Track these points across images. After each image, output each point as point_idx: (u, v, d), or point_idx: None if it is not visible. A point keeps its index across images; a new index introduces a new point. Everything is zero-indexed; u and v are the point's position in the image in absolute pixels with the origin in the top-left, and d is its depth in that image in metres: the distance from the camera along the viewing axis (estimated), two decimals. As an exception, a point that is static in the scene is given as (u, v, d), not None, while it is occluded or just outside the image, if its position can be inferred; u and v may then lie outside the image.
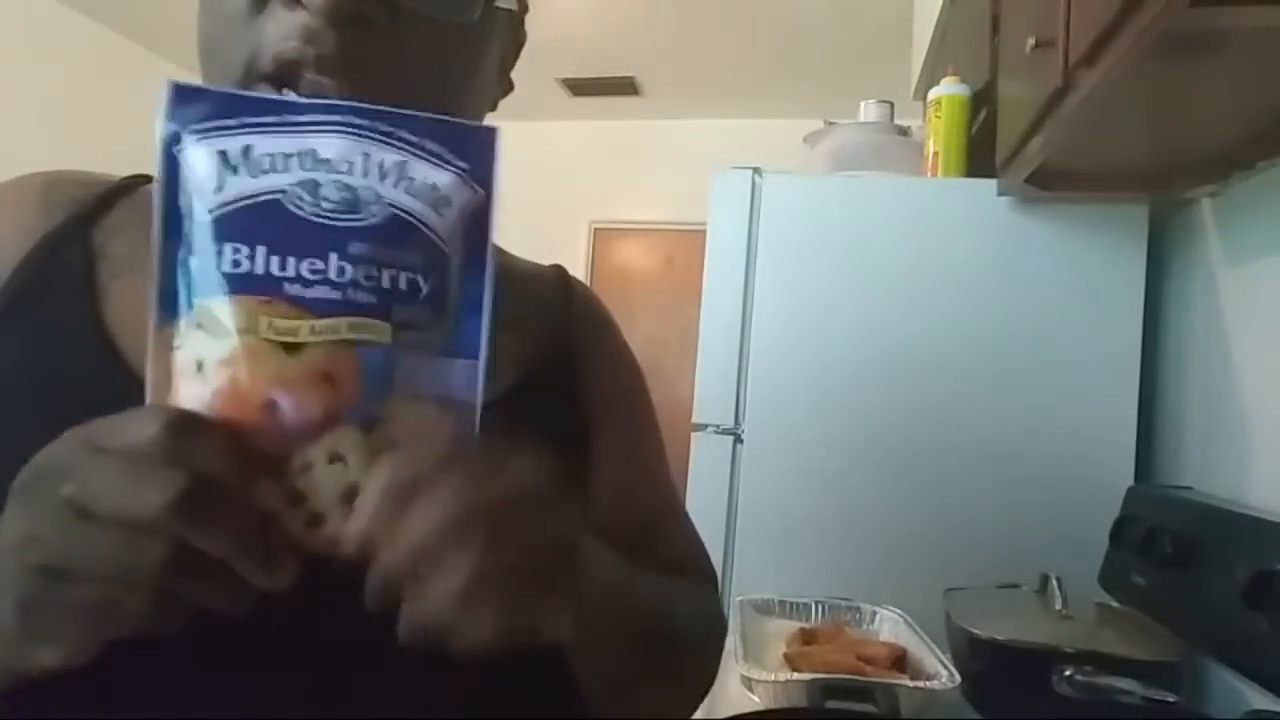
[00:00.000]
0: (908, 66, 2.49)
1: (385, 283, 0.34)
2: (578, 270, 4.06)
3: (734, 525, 1.37)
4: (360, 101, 0.38)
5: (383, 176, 0.35)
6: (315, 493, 0.32)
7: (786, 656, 0.97)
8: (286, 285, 0.33)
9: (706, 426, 1.40)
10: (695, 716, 0.82)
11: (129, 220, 0.49)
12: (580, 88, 4.05)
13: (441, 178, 0.36)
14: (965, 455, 1.29)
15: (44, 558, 0.29)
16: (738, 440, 1.38)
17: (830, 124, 1.62)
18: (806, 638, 1.03)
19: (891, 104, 1.59)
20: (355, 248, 0.34)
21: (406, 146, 0.35)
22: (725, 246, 1.41)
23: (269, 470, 0.32)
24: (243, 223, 0.33)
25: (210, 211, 0.33)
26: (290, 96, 0.36)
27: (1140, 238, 1.26)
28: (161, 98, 0.34)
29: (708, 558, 0.65)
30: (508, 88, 0.54)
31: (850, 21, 3.22)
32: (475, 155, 0.37)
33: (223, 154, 0.33)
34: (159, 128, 0.34)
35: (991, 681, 0.91)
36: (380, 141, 0.35)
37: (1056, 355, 1.27)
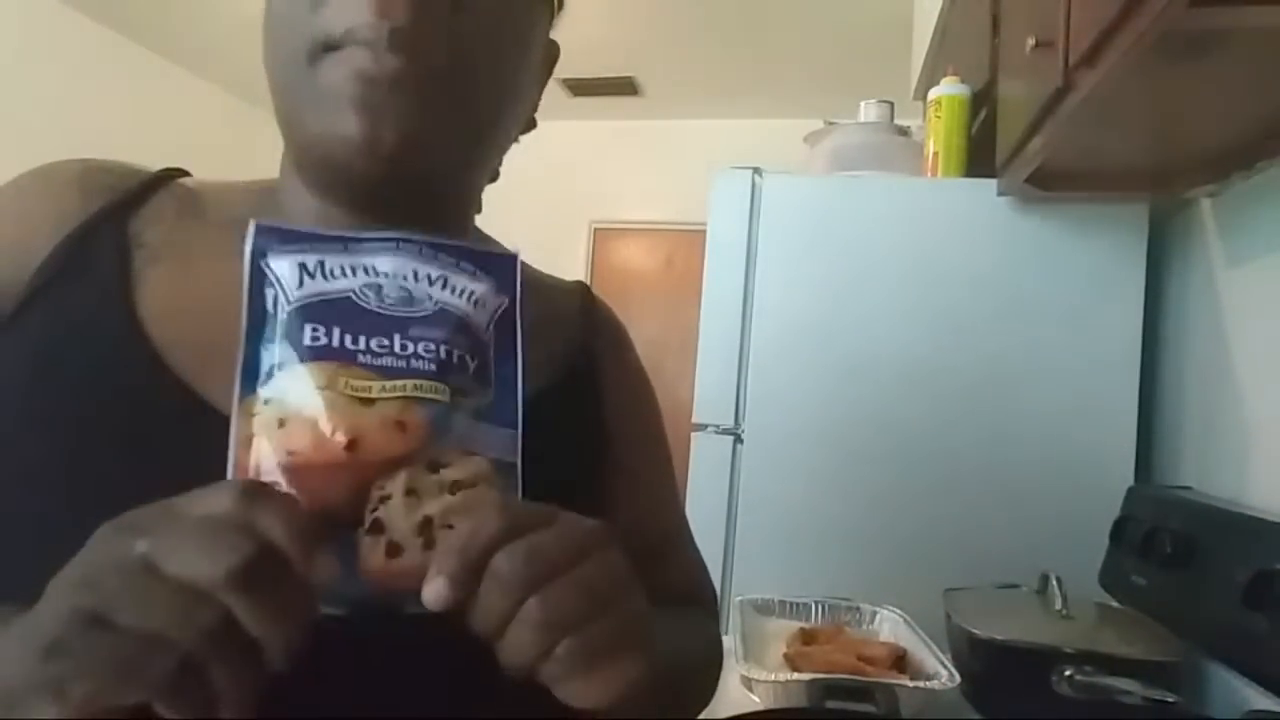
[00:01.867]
0: (908, 66, 2.49)
1: (441, 355, 0.40)
2: (578, 270, 4.04)
3: (734, 525, 1.37)
4: (421, 75, 0.44)
5: (430, 284, 0.42)
6: (394, 523, 0.35)
7: (786, 656, 0.97)
8: (359, 355, 0.38)
9: (706, 426, 1.40)
10: (696, 716, 0.82)
11: (164, 211, 0.50)
12: (580, 88, 4.05)
13: (476, 287, 0.43)
14: (965, 455, 1.29)
15: (93, 602, 0.29)
16: (738, 440, 1.38)
17: (830, 124, 1.62)
18: (806, 638, 1.03)
19: (891, 104, 1.59)
20: (414, 330, 0.40)
21: (445, 265, 0.42)
22: (725, 246, 1.41)
23: (335, 527, 0.34)
24: (320, 311, 0.39)
25: (291, 303, 0.39)
26: (350, 233, 0.42)
27: (1140, 238, 1.26)
28: (249, 232, 0.40)
29: (709, 579, 0.66)
30: (532, 120, 0.57)
31: (850, 21, 3.22)
32: (499, 274, 0.44)
33: (302, 265, 0.40)
34: (247, 251, 0.40)
35: (991, 681, 0.91)
36: (424, 260, 0.42)
37: (1056, 355, 1.27)
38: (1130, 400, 1.24)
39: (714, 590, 0.67)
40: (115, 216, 0.48)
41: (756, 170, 1.42)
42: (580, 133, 4.45)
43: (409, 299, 0.41)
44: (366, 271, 0.41)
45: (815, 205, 1.39)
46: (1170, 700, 0.79)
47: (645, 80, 4.03)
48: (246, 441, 0.36)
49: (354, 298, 0.40)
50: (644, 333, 4.05)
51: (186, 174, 0.55)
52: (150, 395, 0.44)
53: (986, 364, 1.30)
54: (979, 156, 1.37)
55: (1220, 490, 1.05)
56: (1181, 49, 0.72)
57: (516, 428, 0.41)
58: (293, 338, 0.38)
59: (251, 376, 0.37)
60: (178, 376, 0.44)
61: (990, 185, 1.28)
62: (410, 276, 0.41)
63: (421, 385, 0.38)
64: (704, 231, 1.43)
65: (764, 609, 1.15)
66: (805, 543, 1.34)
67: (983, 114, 1.39)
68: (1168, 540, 0.93)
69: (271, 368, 0.37)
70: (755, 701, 0.89)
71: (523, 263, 0.60)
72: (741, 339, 1.39)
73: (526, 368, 0.42)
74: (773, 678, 0.87)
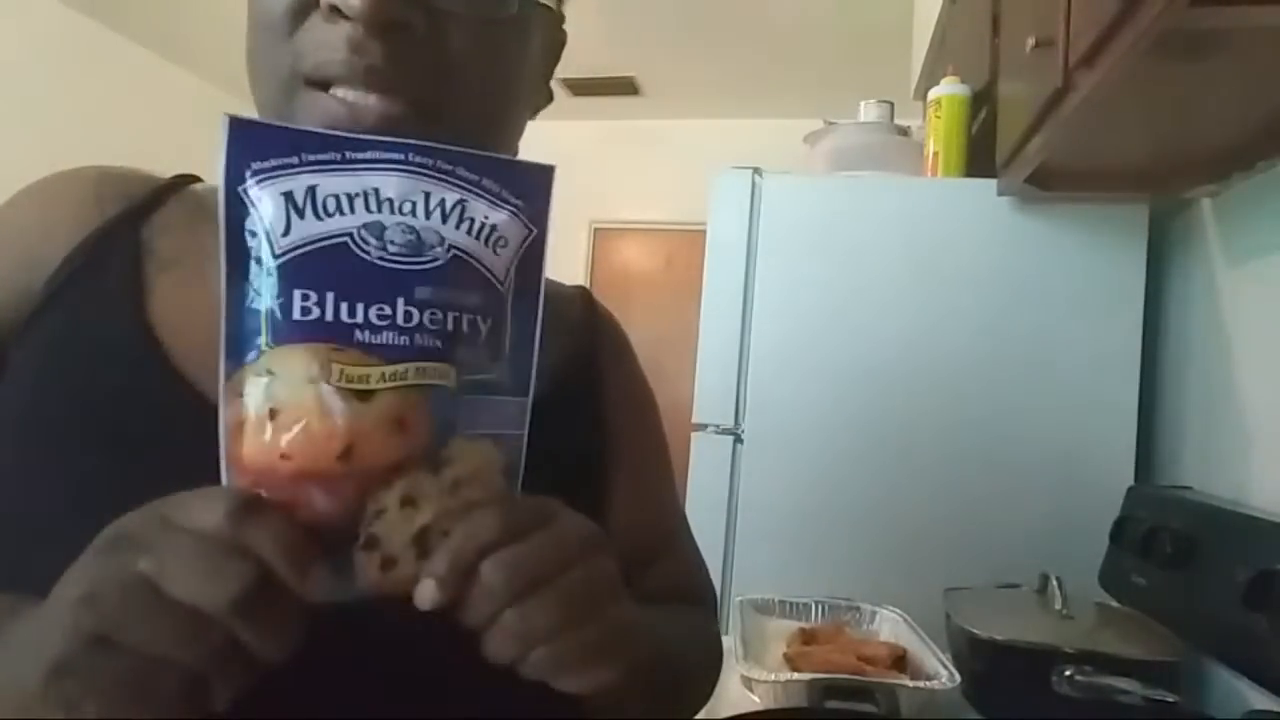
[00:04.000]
0: (908, 66, 2.49)
1: (449, 326, 0.35)
2: (578, 270, 4.04)
3: (734, 525, 1.37)
4: (406, 111, 0.41)
5: (444, 217, 0.35)
6: (389, 538, 0.33)
7: (786, 656, 0.97)
8: (356, 332, 0.33)
9: (706, 426, 1.40)
10: (696, 716, 0.82)
11: (177, 218, 0.51)
12: (580, 88, 4.05)
13: (498, 217, 0.36)
14: (965, 455, 1.29)
15: (98, 624, 0.29)
16: (738, 440, 1.38)
17: (830, 124, 1.62)
18: (806, 638, 1.03)
19: (891, 104, 1.59)
20: (420, 292, 0.34)
21: (464, 184, 0.36)
22: (725, 246, 1.41)
23: (331, 535, 0.33)
24: (311, 268, 0.33)
25: (277, 256, 0.33)
26: (350, 134, 0.35)
27: (1140, 238, 1.26)
28: (220, 134, 0.33)
29: (709, 578, 0.67)
30: (548, 96, 0.55)
31: (850, 21, 3.22)
32: (530, 193, 0.37)
33: (288, 195, 0.33)
34: (221, 166, 0.33)
35: (991, 681, 0.91)
36: (439, 179, 0.36)
37: (1057, 355, 1.27)
38: (1130, 400, 1.24)
39: (714, 590, 0.67)
40: (128, 224, 0.49)
41: (756, 170, 1.42)
42: (580, 133, 4.45)
43: (416, 243, 0.34)
44: (368, 200, 0.34)
45: (815, 205, 1.39)
46: (1170, 700, 0.79)
47: (645, 80, 4.03)
48: (238, 428, 0.33)
49: (351, 244, 0.33)
50: (644, 333, 4.04)
51: (198, 179, 0.55)
52: (159, 400, 0.44)
53: (986, 364, 1.30)
54: (979, 156, 1.37)
55: (1220, 490, 1.05)
56: (1181, 49, 0.72)
57: (527, 395, 0.38)
58: (281, 304, 0.33)
59: (238, 347, 0.33)
60: (189, 382, 0.44)
61: (990, 185, 1.28)
62: (420, 206, 0.35)
63: (425, 369, 0.34)
64: (704, 231, 1.43)
65: (764, 609, 1.15)
66: (805, 543, 1.33)
67: (983, 114, 1.39)
68: (1168, 540, 0.93)
69: (259, 340, 0.33)
70: (755, 701, 0.89)
71: None
72: (741, 339, 1.39)
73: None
74: (773, 678, 0.87)
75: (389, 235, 0.34)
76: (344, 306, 0.33)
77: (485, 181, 0.36)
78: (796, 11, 3.20)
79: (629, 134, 4.51)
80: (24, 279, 0.47)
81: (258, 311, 0.33)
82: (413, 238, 0.34)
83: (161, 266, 0.48)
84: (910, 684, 0.87)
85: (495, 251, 0.36)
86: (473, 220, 0.36)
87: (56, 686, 0.29)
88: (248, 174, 0.33)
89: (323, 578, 0.32)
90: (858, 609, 1.14)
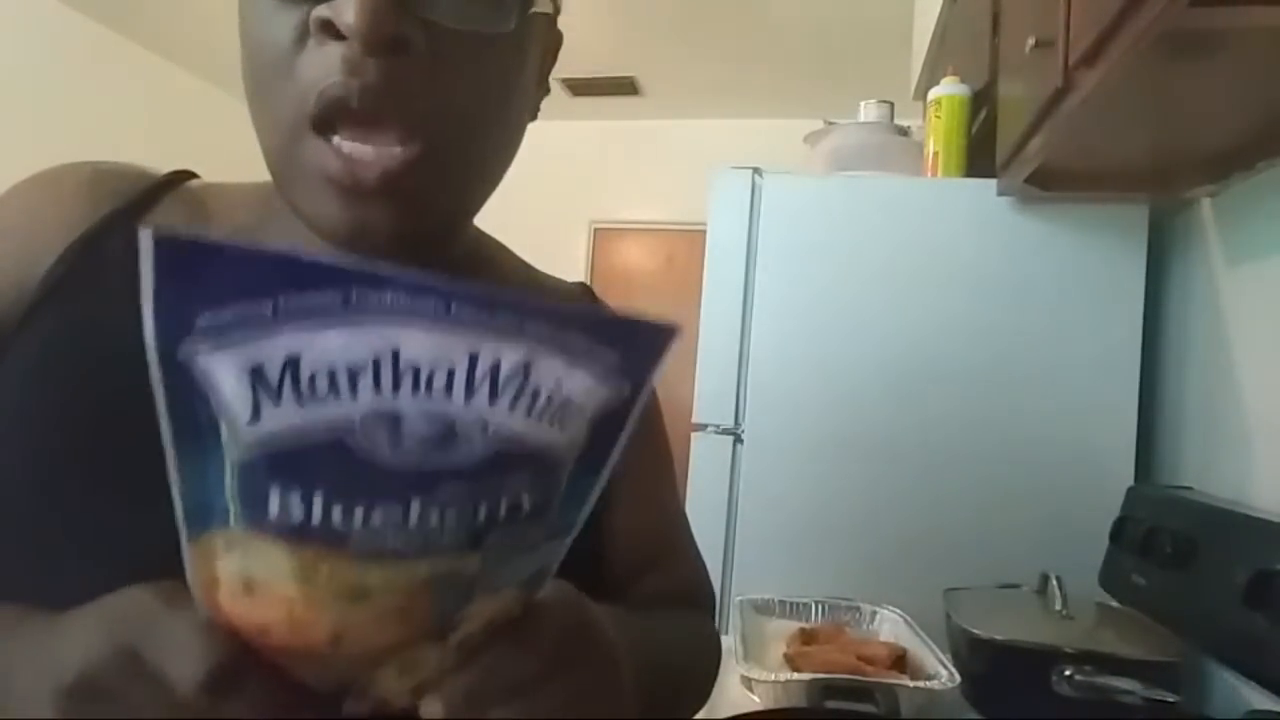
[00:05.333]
0: (908, 66, 2.49)
1: (481, 516, 0.27)
2: (578, 270, 4.02)
3: (734, 525, 1.37)
4: (407, 156, 0.39)
5: (494, 391, 0.25)
6: (383, 694, 0.30)
7: (786, 656, 0.97)
8: (353, 539, 0.25)
9: (706, 426, 1.40)
10: (696, 716, 0.82)
11: (172, 216, 0.50)
12: (580, 88, 4.05)
13: (577, 384, 0.26)
14: (965, 455, 1.29)
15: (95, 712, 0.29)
16: (738, 440, 1.38)
17: (830, 124, 1.62)
18: (806, 638, 1.03)
19: (891, 104, 1.59)
20: (445, 490, 0.25)
21: (535, 337, 0.25)
22: (725, 246, 1.41)
23: (320, 693, 0.29)
24: (291, 464, 0.24)
25: (241, 445, 0.24)
26: (363, 265, 0.23)
27: (1140, 238, 1.26)
28: (143, 263, 0.22)
29: (708, 580, 0.66)
30: (545, 91, 0.54)
31: (850, 21, 3.22)
32: (633, 352, 0.28)
33: (256, 372, 0.23)
34: (149, 315, 0.22)
35: (991, 681, 0.91)
36: (493, 332, 0.24)
37: (1057, 355, 1.27)
38: (1130, 400, 1.24)
39: (713, 592, 0.67)
40: (123, 221, 0.48)
41: (756, 170, 1.42)
42: (580, 133, 4.45)
43: (448, 436, 0.24)
44: (379, 372, 0.23)
45: (815, 205, 1.39)
46: (1170, 700, 0.79)
47: (645, 80, 4.03)
48: (210, 584, 0.27)
49: (350, 442, 0.24)
50: (644, 333, 4.05)
51: (195, 175, 0.54)
52: (151, 400, 0.42)
53: (986, 364, 1.30)
54: (979, 156, 1.37)
55: (1220, 490, 1.05)
56: (1181, 49, 0.72)
57: (569, 537, 0.31)
58: (250, 497, 0.25)
59: (200, 515, 0.26)
60: None
61: (990, 185, 1.28)
62: (459, 376, 0.24)
63: (440, 563, 0.27)
64: (704, 231, 1.43)
65: (764, 609, 1.15)
66: (805, 543, 1.33)
67: (983, 114, 1.39)
68: (1168, 540, 0.93)
69: (228, 517, 0.25)
70: (755, 701, 0.89)
71: (524, 263, 0.57)
72: (741, 339, 1.39)
73: None
74: (773, 678, 0.87)
75: (407, 428, 0.24)
76: (337, 510, 0.24)
77: (569, 334, 0.26)
78: (796, 11, 3.20)
79: (629, 134, 4.51)
80: (18, 273, 0.46)
81: (222, 486, 0.25)
82: (442, 429, 0.24)
83: None
84: (910, 684, 0.87)
85: (563, 428, 0.27)
86: (538, 392, 0.26)
87: None
88: (194, 329, 0.23)
89: None
90: (858, 609, 1.14)
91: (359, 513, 0.25)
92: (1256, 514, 0.86)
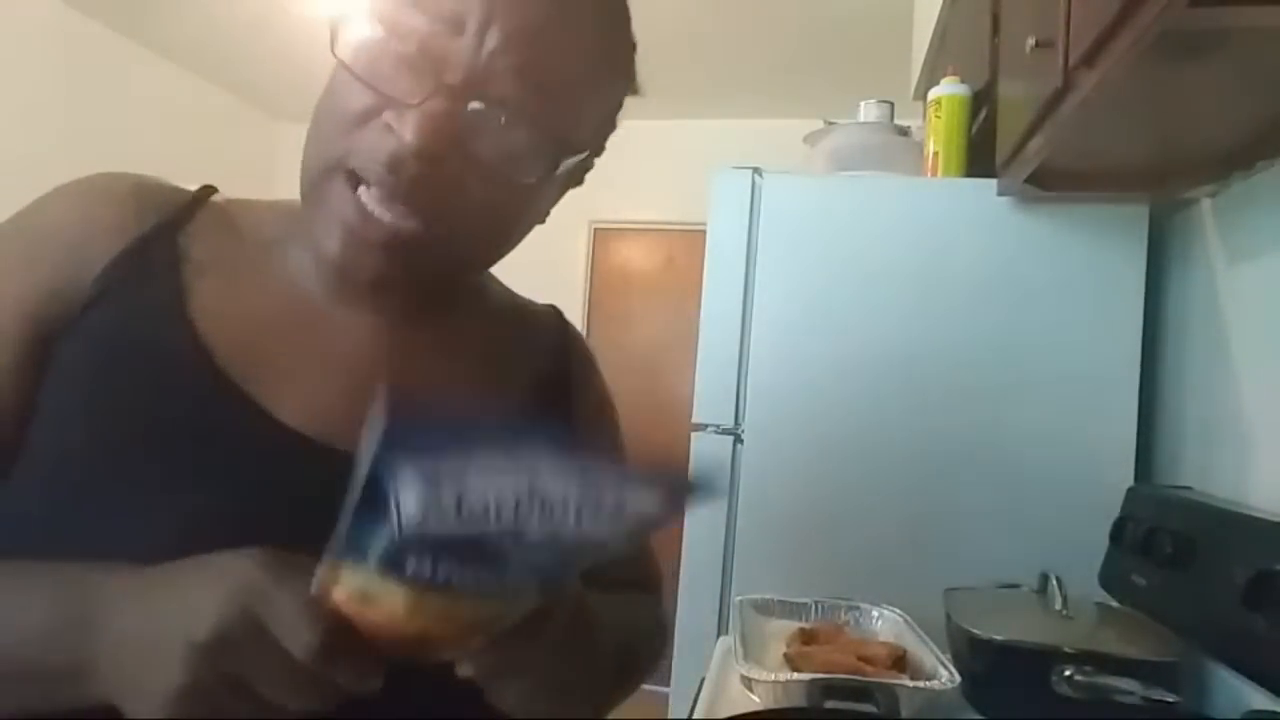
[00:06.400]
0: (908, 66, 2.49)
1: (546, 572, 0.39)
2: (578, 270, 4.02)
3: (734, 525, 1.37)
4: (415, 229, 0.48)
5: (595, 515, 0.34)
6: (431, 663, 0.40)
7: (786, 656, 0.97)
8: (459, 583, 0.35)
9: (706, 426, 1.40)
10: (696, 716, 0.83)
11: (207, 229, 0.56)
12: (580, 88, 4.05)
13: (649, 505, 0.35)
14: (965, 455, 1.29)
15: (226, 665, 0.37)
16: (738, 440, 1.38)
17: (830, 124, 1.62)
18: (806, 638, 1.03)
19: (891, 104, 1.59)
20: (531, 559, 0.35)
21: (620, 483, 0.35)
22: (725, 246, 1.41)
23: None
24: (434, 547, 0.34)
25: (408, 527, 0.33)
26: (506, 431, 0.37)
27: (1140, 238, 1.26)
28: (372, 434, 0.34)
29: (655, 564, 0.75)
30: (557, 200, 0.62)
31: (850, 21, 3.22)
32: (671, 494, 0.37)
33: (434, 499, 0.33)
34: (372, 444, 0.34)
35: (991, 681, 0.90)
36: (599, 485, 0.35)
37: (1057, 355, 1.27)
38: (1130, 400, 1.24)
39: (660, 573, 0.75)
40: (167, 232, 0.54)
41: (756, 170, 1.42)
42: (580, 133, 4.44)
43: (551, 538, 0.34)
44: (518, 502, 0.33)
45: (815, 205, 1.39)
46: (1170, 700, 0.79)
47: (645, 80, 4.04)
48: (331, 582, 0.37)
49: (483, 542, 0.34)
50: (644, 333, 4.07)
51: (215, 190, 0.60)
52: (206, 392, 0.50)
53: (986, 364, 1.30)
54: (979, 156, 1.37)
55: (1220, 490, 1.05)
56: (1181, 49, 0.72)
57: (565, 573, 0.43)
58: (393, 555, 0.34)
59: (350, 547, 0.35)
60: (229, 378, 0.50)
61: (990, 185, 1.28)
62: (573, 500, 0.34)
63: (506, 605, 0.39)
64: (704, 231, 1.43)
65: (764, 609, 1.15)
66: (805, 543, 1.33)
67: (983, 114, 1.39)
68: (1168, 540, 0.93)
69: (365, 553, 0.35)
70: (755, 701, 0.89)
71: (508, 291, 0.69)
72: (741, 339, 1.39)
73: (514, 381, 0.48)
74: (773, 678, 0.87)
75: (527, 536, 0.34)
76: (452, 568, 0.35)
77: (653, 489, 0.36)
78: (797, 12, 3.20)
79: (629, 134, 4.51)
80: (68, 273, 0.50)
81: (371, 540, 0.35)
82: (549, 533, 0.34)
83: (198, 273, 0.53)
84: (910, 684, 0.87)
85: (628, 534, 0.37)
86: (623, 512, 0.35)
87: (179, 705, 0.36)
88: (393, 468, 0.34)
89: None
90: (858, 609, 1.14)
91: (467, 570, 0.35)
92: (1256, 514, 0.86)
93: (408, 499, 0.33)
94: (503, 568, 0.35)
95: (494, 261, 0.59)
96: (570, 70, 0.50)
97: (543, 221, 0.60)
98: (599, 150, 0.61)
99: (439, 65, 0.46)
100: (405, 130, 0.45)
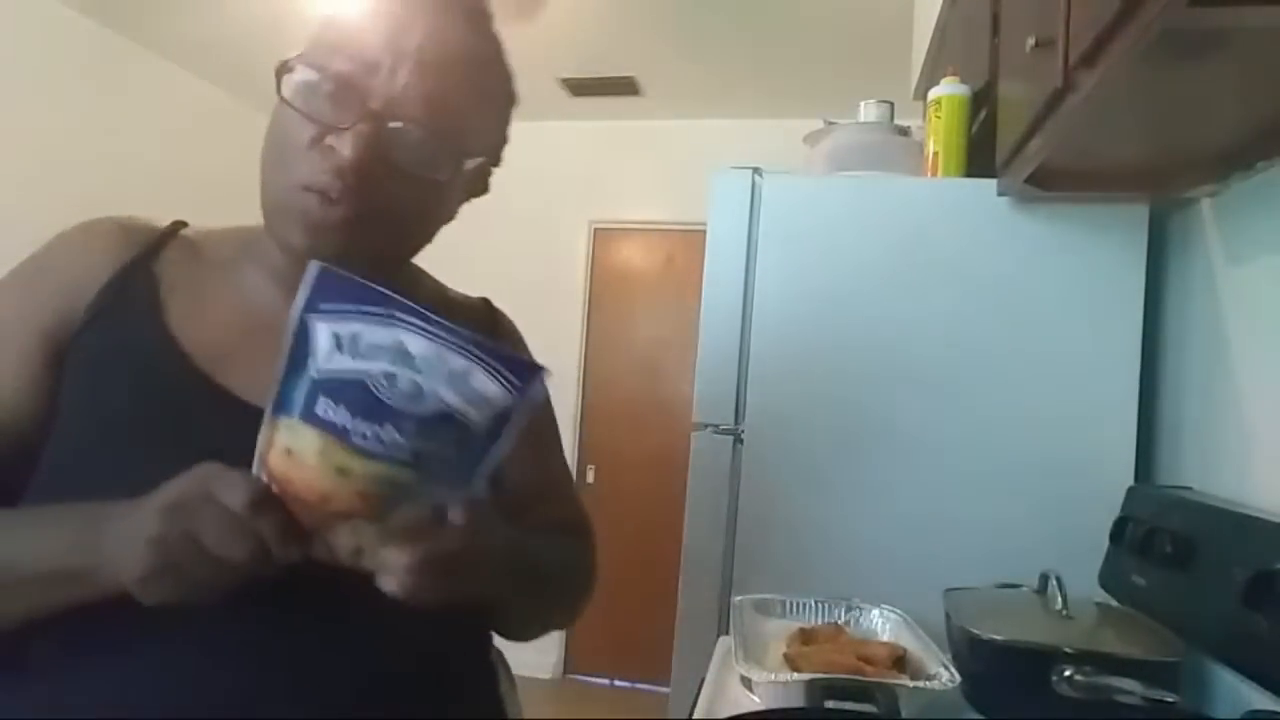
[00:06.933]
0: (908, 66, 2.49)
1: (420, 451, 0.48)
2: (578, 270, 4.01)
3: (734, 525, 1.37)
4: (358, 217, 0.61)
5: (448, 382, 0.48)
6: (337, 544, 0.51)
7: (786, 656, 0.97)
8: (351, 436, 0.47)
9: (706, 426, 1.40)
10: (695, 716, 0.83)
11: (176, 255, 0.71)
12: (580, 88, 4.05)
13: (491, 390, 0.49)
14: (965, 455, 1.29)
15: (163, 556, 0.50)
16: (738, 440, 1.38)
17: (830, 124, 1.62)
18: (806, 638, 1.03)
19: (891, 104, 1.58)
20: (407, 424, 0.47)
21: (474, 359, 0.48)
22: (725, 246, 1.41)
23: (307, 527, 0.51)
24: (335, 387, 0.48)
25: (319, 371, 0.48)
26: (400, 299, 0.48)
27: (1140, 238, 1.26)
28: (308, 275, 0.48)
29: (586, 516, 0.86)
30: (482, 188, 0.75)
31: (850, 21, 3.22)
32: (519, 381, 0.49)
33: (337, 336, 0.47)
34: (304, 294, 0.48)
35: (991, 681, 0.91)
36: (456, 349, 0.48)
37: (1056, 355, 1.27)
38: (1130, 400, 1.24)
39: (590, 523, 0.86)
40: (144, 262, 0.68)
41: (756, 170, 1.42)
42: (580, 133, 4.44)
43: (417, 393, 0.47)
44: (393, 354, 0.47)
45: (815, 205, 1.39)
46: (1170, 700, 0.79)
47: (645, 80, 4.03)
48: (267, 447, 0.49)
49: (367, 383, 0.47)
50: (644, 332, 4.07)
51: (185, 224, 0.75)
52: (182, 385, 0.64)
53: (986, 364, 1.30)
54: (979, 156, 1.37)
55: (1220, 490, 1.05)
56: (1181, 49, 0.72)
57: (465, 487, 0.52)
58: (310, 399, 0.48)
59: (281, 405, 0.49)
60: (202, 372, 0.64)
61: (990, 185, 1.28)
62: (432, 366, 0.47)
63: (389, 472, 0.48)
64: (704, 231, 1.43)
65: (764, 609, 1.15)
66: (805, 543, 1.33)
67: (983, 114, 1.39)
68: (1168, 540, 0.93)
69: (293, 405, 0.48)
70: (755, 701, 0.89)
71: (438, 284, 0.84)
72: (741, 339, 1.39)
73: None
74: (773, 678, 0.87)
75: (398, 382, 0.47)
76: (349, 417, 0.47)
77: (490, 361, 0.48)
78: (796, 11, 3.20)
79: (629, 134, 4.50)
80: (69, 304, 0.65)
81: (297, 392, 0.48)
82: (415, 389, 0.47)
83: (170, 290, 0.67)
84: (910, 684, 0.87)
85: (478, 410, 0.49)
86: (470, 388, 0.48)
87: (151, 556, 0.49)
88: (317, 310, 0.48)
89: (294, 552, 0.50)
90: (858, 609, 1.14)
91: (360, 423, 0.47)
92: (1256, 514, 0.86)
93: (320, 339, 0.47)
94: (399, 431, 0.47)
95: (419, 248, 0.72)
96: (461, 94, 0.65)
97: (452, 219, 0.72)
98: (496, 160, 0.74)
99: (364, 97, 0.60)
100: (344, 147, 0.59)
